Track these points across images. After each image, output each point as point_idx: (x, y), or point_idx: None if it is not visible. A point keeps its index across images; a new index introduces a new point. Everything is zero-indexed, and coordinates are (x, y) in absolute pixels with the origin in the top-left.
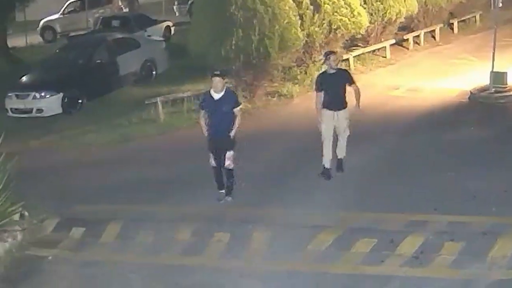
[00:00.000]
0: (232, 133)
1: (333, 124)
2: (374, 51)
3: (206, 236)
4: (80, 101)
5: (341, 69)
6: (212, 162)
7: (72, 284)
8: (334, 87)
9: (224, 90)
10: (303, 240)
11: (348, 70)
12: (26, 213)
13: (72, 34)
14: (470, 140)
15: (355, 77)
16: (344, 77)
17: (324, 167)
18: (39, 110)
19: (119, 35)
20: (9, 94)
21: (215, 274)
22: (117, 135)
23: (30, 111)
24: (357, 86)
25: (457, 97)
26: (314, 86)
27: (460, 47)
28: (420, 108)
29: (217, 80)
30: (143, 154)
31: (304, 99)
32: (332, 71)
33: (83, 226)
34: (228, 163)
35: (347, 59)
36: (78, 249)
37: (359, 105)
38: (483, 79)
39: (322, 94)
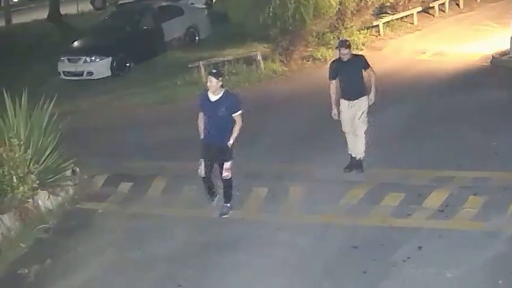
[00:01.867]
0: (230, 142)
1: (350, 115)
2: (402, 18)
3: (245, 191)
4: (127, 64)
5: (355, 55)
6: (201, 172)
7: (120, 235)
8: (350, 74)
9: (222, 92)
10: (336, 195)
11: (363, 56)
12: (78, 169)
13: (121, 2)
14: (492, 101)
15: (384, 43)
16: (359, 64)
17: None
18: (89, 73)
19: (164, 3)
20: (62, 58)
21: (254, 226)
22: (163, 96)
23: (81, 74)
24: (373, 72)
25: (480, 61)
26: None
27: (482, 14)
28: (445, 71)
29: (212, 80)
30: (187, 114)
31: None
32: (346, 58)
33: (131, 181)
34: (226, 174)
35: (377, 25)
36: (126, 203)
37: (374, 95)
38: (504, 44)
39: (335, 82)
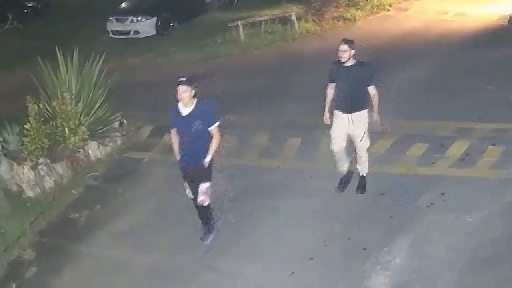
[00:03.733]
0: (206, 160)
1: (345, 130)
2: None
3: (280, 141)
4: (171, 24)
5: (362, 62)
6: (189, 194)
7: (163, 183)
8: (349, 83)
9: (195, 103)
10: None
11: (373, 66)
12: (125, 121)
13: None
14: (510, 58)
15: (410, 4)
16: (364, 74)
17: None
18: (136, 32)
19: None
20: (110, 18)
21: (288, 174)
22: (204, 54)
23: (128, 33)
24: (375, 87)
25: (498, 20)
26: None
27: None
28: (466, 30)
29: (182, 89)
30: (227, 70)
31: (365, 23)
32: (349, 63)
33: None
34: (201, 198)
35: None
36: (170, 152)
37: (377, 111)
38: None
39: (333, 85)
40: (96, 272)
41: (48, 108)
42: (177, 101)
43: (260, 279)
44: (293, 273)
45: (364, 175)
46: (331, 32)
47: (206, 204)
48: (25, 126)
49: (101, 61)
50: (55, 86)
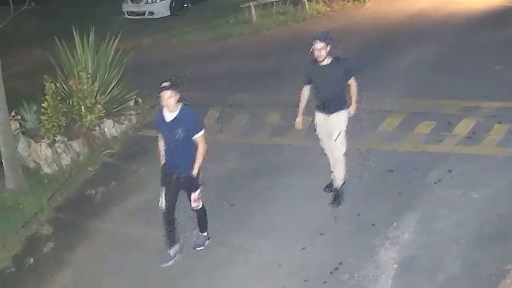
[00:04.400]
0: (194, 172)
1: (326, 132)
2: None
3: (292, 120)
4: (185, 5)
5: (339, 58)
6: (162, 204)
7: None
8: (328, 82)
9: (179, 108)
10: (374, 123)
11: (350, 60)
12: (140, 100)
13: None
14: None
15: None
16: (342, 70)
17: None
18: (151, 13)
19: None
20: (125, 0)
21: (299, 152)
22: (217, 34)
23: (143, 13)
24: (355, 82)
25: (505, 1)
26: None
27: None
28: (474, 11)
29: (166, 95)
30: (239, 50)
31: (374, 3)
32: (326, 61)
33: None
34: (195, 204)
35: None
36: None
37: (355, 107)
38: None
39: (308, 88)
40: (111, 247)
41: (65, 87)
42: (160, 111)
43: (272, 255)
44: (304, 248)
45: (338, 187)
46: (341, 12)
47: (199, 207)
48: (43, 104)
49: (116, 41)
50: (72, 65)
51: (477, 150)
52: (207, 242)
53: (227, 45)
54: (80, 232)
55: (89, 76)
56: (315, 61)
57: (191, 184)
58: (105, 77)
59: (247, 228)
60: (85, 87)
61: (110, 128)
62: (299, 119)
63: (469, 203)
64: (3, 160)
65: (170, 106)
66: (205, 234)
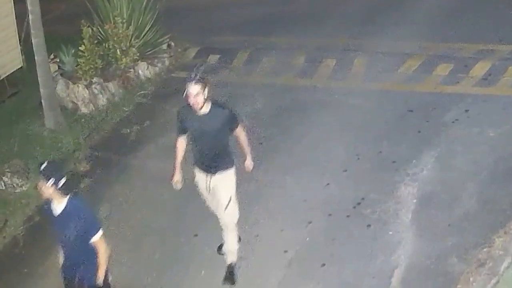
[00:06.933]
0: (98, 281)
1: (209, 196)
2: None
3: (316, 62)
4: None
5: (218, 105)
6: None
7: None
8: (207, 136)
9: (67, 200)
10: (395, 65)
11: (230, 109)
12: (172, 43)
13: None
14: None
15: None
16: (224, 120)
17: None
18: None
19: None
20: None
21: (324, 92)
22: None
23: None
24: (242, 128)
25: None
26: None
27: None
28: None
29: (41, 187)
30: None
31: None
32: (204, 109)
33: (218, 54)
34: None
35: None
36: (214, 72)
37: (251, 158)
38: None
39: (184, 139)
40: (145, 183)
41: (101, 31)
42: (49, 199)
43: (297, 190)
44: (328, 184)
45: (233, 263)
46: None
47: None
48: (80, 48)
49: None
50: (108, 10)
51: (492, 91)
52: None
53: None
54: (115, 168)
55: (124, 20)
56: (189, 106)
57: None
58: (139, 21)
59: (273, 165)
60: (120, 31)
61: (144, 70)
62: (177, 177)
63: (485, 141)
64: (42, 101)
65: (56, 198)
66: None
